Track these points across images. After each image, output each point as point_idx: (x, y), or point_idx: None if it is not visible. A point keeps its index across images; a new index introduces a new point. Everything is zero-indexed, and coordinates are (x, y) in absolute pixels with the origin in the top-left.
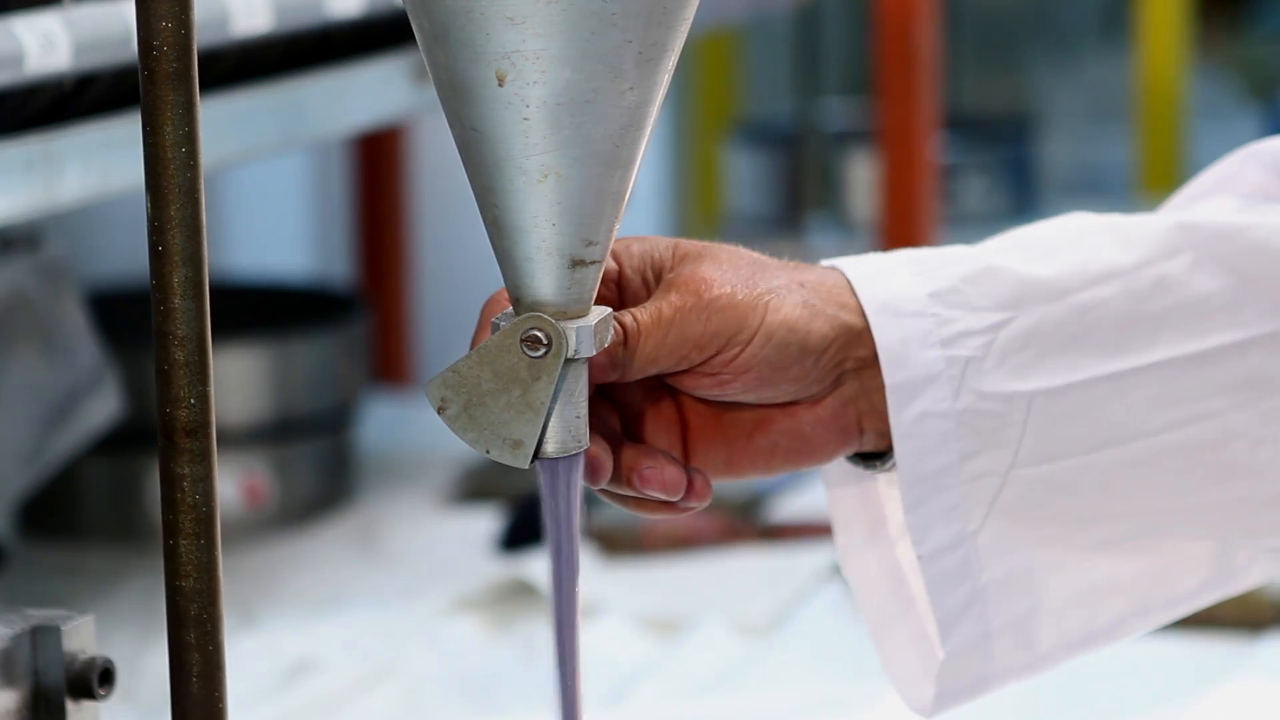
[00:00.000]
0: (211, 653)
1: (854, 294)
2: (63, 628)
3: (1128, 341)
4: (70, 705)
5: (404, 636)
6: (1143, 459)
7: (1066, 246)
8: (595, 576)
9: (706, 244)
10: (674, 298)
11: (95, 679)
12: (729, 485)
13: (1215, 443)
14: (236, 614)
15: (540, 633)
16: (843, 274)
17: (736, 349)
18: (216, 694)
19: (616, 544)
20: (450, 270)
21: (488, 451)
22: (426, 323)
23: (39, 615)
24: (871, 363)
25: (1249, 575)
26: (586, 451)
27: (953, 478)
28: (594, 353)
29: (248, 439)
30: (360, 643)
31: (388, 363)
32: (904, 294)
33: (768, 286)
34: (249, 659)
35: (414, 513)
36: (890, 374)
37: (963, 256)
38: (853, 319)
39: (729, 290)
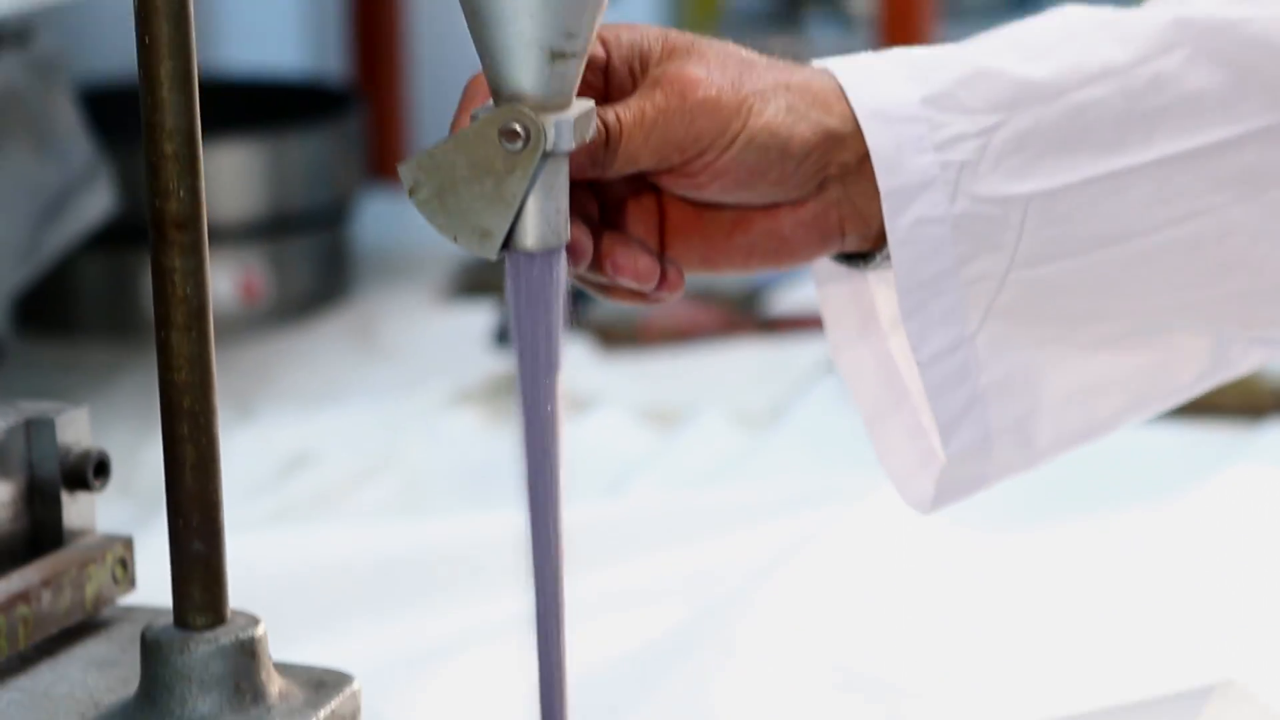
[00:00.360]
0: (205, 445)
1: (844, 98)
2: (56, 419)
3: (1124, 140)
4: (65, 497)
5: (401, 429)
6: (1140, 257)
7: (1061, 45)
8: (593, 369)
9: (695, 39)
10: (658, 97)
11: (90, 470)
12: (728, 279)
13: (1213, 238)
14: (233, 408)
15: None
16: (833, 76)
17: (717, 153)
18: (211, 486)
19: (614, 337)
20: (447, 64)
21: (455, 238)
22: (423, 118)
23: (32, 408)
24: (856, 168)
25: (1243, 364)
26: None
27: (950, 282)
28: (573, 147)
29: (244, 235)
30: (357, 436)
31: (384, 159)
32: (896, 99)
33: (753, 89)
34: (246, 453)
35: (411, 307)
36: (885, 180)
37: (956, 58)
38: (837, 124)
39: (714, 93)
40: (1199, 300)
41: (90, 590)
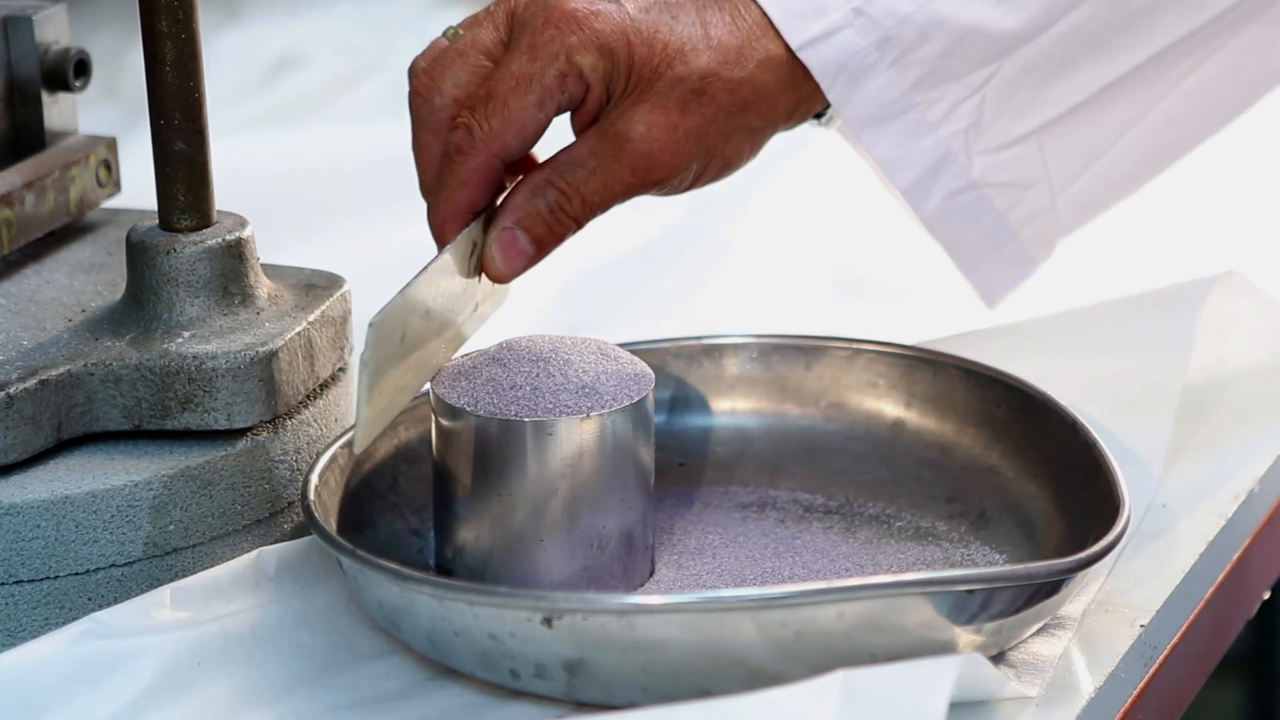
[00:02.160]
0: (185, 41)
1: (816, 91)
2: (34, 17)
3: (1121, 43)
4: (46, 97)
5: (390, 30)
6: (1171, 112)
7: None
8: None
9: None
10: (618, 173)
11: (70, 70)
12: None
13: (1234, 63)
14: (218, 9)
15: None
16: (813, 77)
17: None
18: (193, 84)
19: None
20: None
21: None
22: None
23: (9, 4)
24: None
25: None
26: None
27: (1003, 231)
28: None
29: None
30: (346, 37)
31: None
32: (884, 96)
33: (710, 146)
34: (232, 55)
35: None
36: (898, 179)
37: (929, 21)
38: (804, 106)
39: (667, 162)
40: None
41: (74, 193)
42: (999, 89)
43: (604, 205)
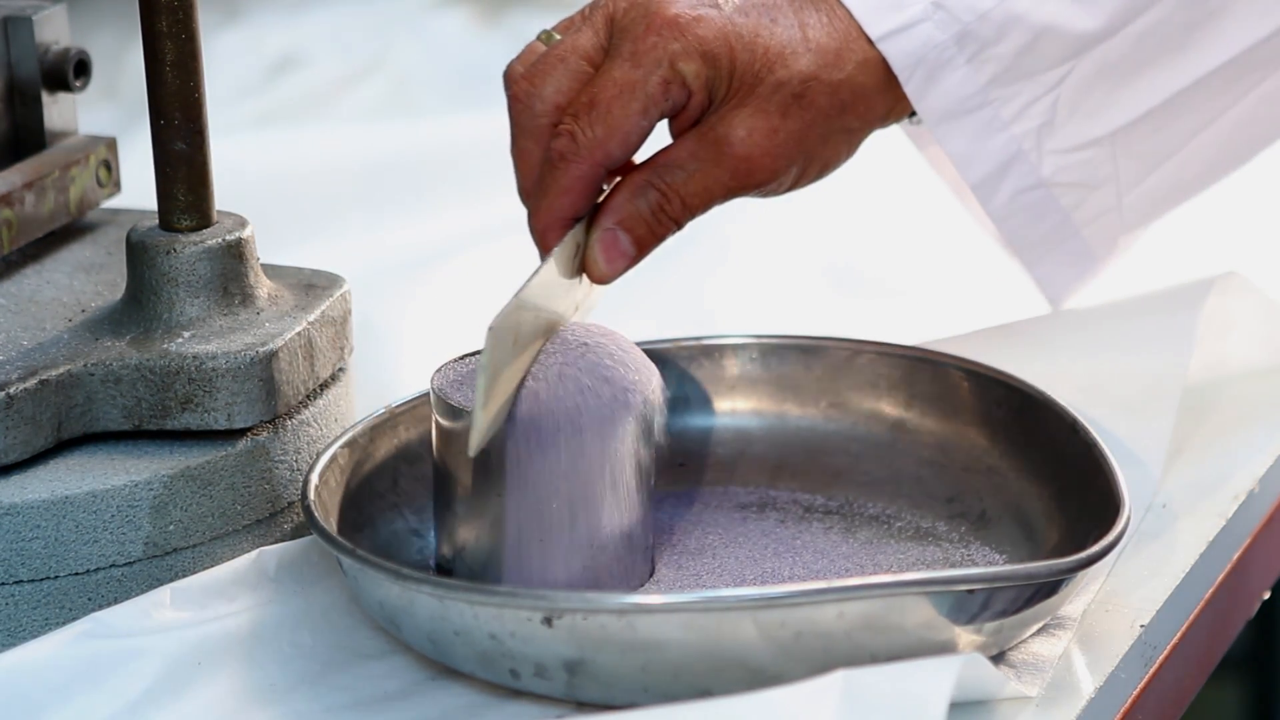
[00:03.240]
0: (185, 41)
1: (898, 88)
2: (34, 17)
3: (1194, 45)
4: (46, 97)
5: (391, 30)
6: (1240, 116)
7: None
8: None
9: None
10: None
11: (70, 70)
12: None
13: None
14: (218, 9)
15: (531, 25)
16: (881, 66)
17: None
18: (193, 84)
19: None
20: None
21: None
22: None
23: (9, 4)
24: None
25: None
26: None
27: (1066, 229)
28: None
29: None
30: (346, 37)
31: None
32: (960, 92)
33: (809, 148)
34: (233, 56)
35: None
36: (967, 174)
37: (1007, 17)
38: (893, 107)
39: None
40: None
41: (74, 193)
42: (1073, 89)
43: (703, 207)
